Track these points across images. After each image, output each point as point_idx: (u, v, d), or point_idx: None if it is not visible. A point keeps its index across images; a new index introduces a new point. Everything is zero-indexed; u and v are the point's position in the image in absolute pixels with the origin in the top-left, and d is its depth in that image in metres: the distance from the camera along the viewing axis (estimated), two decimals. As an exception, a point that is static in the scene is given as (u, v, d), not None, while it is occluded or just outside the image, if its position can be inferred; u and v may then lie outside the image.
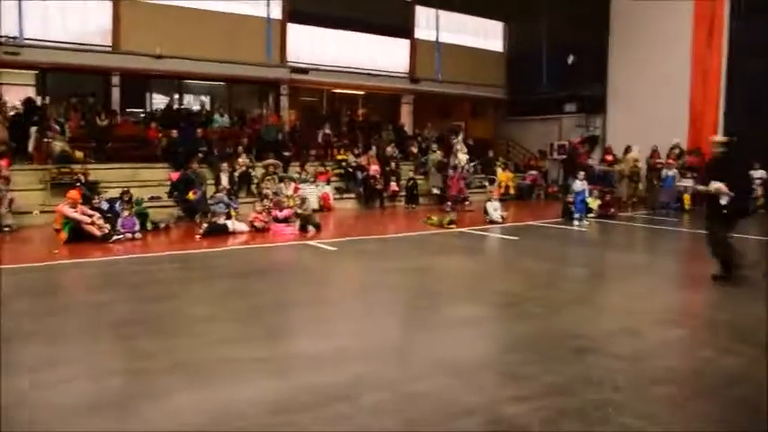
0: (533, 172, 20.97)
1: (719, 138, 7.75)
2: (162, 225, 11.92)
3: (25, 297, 6.83)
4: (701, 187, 7.66)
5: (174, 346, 5.01)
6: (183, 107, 18.48)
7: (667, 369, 4.56)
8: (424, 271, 8.47)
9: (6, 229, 11.41)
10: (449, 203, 15.87)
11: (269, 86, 19.73)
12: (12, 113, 14.91)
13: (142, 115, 17.99)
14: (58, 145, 14.09)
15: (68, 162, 13.84)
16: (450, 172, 16.66)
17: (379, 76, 21.20)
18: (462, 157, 16.69)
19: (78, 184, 12.55)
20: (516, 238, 11.51)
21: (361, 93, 22.17)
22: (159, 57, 16.40)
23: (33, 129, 14.26)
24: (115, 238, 10.38)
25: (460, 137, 18.06)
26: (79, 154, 14.22)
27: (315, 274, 8.48)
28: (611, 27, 20.52)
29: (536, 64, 22.13)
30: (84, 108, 16.06)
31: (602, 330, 5.56)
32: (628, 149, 17.57)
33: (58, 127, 14.61)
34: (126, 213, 10.92)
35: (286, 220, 11.85)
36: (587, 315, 6.13)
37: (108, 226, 10.50)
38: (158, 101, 19.05)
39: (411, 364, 4.71)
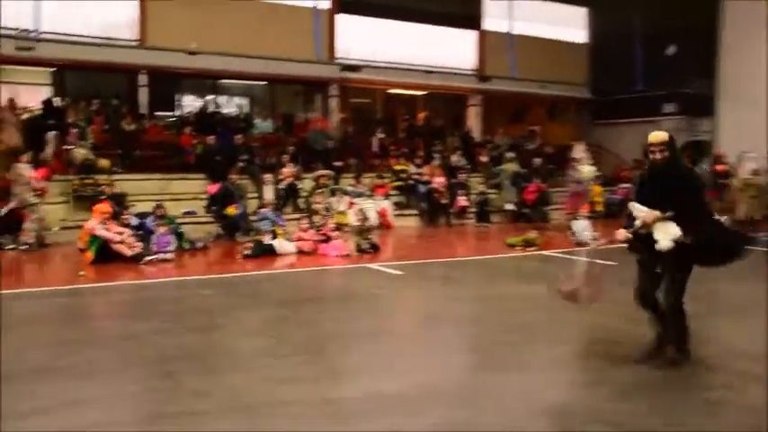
0: (625, 185, 20.46)
1: (657, 136, 5.36)
2: (200, 244, 12.11)
3: (52, 325, 7.03)
4: (621, 232, 5.53)
5: (226, 384, 5.00)
6: (219, 110, 18.79)
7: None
8: (507, 300, 8.33)
9: (24, 246, 11.80)
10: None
11: (316, 87, 19.94)
12: (27, 116, 15.30)
13: (172, 119, 18.38)
14: (81, 152, 14.48)
15: (91, 172, 14.19)
16: (573, 186, 16.33)
17: (442, 73, 21.20)
18: (587, 168, 16.30)
19: (103, 196, 12.83)
20: (612, 263, 11.19)
21: (421, 93, 22.19)
22: (193, 53, 16.75)
23: (51, 134, 14.70)
24: (148, 258, 10.58)
25: (583, 145, 17.72)
26: (104, 162, 14.57)
27: (380, 301, 8.45)
28: (723, 9, 19.98)
29: (627, 56, 21.80)
30: (108, 111, 16.50)
31: (736, 376, 5.31)
32: (743, 157, 17.06)
33: (79, 132, 15.05)
34: (162, 230, 11.14)
35: (327, 239, 11.85)
36: (713, 357, 5.86)
37: (140, 245, 10.74)
38: (189, 103, 19.47)
39: (507, 408, 4.58)
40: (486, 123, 22.36)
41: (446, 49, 21.71)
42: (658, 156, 5.32)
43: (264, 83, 19.93)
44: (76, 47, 16.09)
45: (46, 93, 16.96)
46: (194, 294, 8.58)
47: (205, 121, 17.16)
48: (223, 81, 19.55)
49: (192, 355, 5.75)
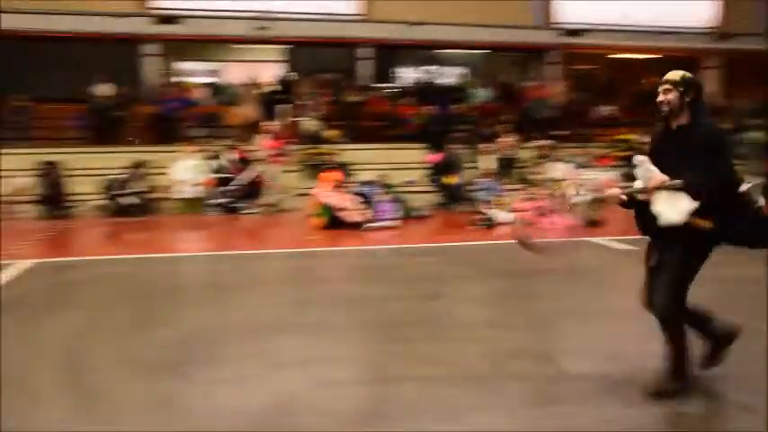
0: None
1: (673, 75, 4.01)
2: (421, 213, 12.34)
3: (287, 285, 7.53)
4: (614, 192, 4.33)
5: (453, 352, 5.01)
6: (436, 80, 18.99)
7: None
8: (748, 283, 7.47)
9: (262, 211, 12.86)
10: None
11: (535, 53, 19.41)
12: (263, 91, 16.56)
13: (391, 90, 18.86)
14: (311, 123, 15.47)
15: (320, 142, 15.05)
16: None
17: (672, 33, 19.66)
18: None
19: (329, 165, 13.53)
20: None
21: (650, 57, 20.74)
22: (416, 24, 16.99)
23: (284, 107, 15.74)
24: (371, 225, 10.99)
25: None
26: (332, 133, 15.39)
27: (607, 277, 8.07)
28: None
29: None
30: (332, 83, 17.35)
31: None
32: None
33: (309, 104, 15.98)
34: (384, 198, 11.52)
35: (547, 211, 11.53)
36: None
37: (366, 212, 11.18)
38: (407, 74, 19.83)
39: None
40: (728, 87, 20.39)
41: (679, 7, 20.01)
42: (661, 97, 3.99)
43: (483, 51, 19.73)
44: (305, 24, 17.04)
45: (280, 69, 18.19)
46: (418, 261, 8.74)
47: (423, 91, 17.44)
48: (441, 51, 19.65)
49: (419, 321, 5.83)
